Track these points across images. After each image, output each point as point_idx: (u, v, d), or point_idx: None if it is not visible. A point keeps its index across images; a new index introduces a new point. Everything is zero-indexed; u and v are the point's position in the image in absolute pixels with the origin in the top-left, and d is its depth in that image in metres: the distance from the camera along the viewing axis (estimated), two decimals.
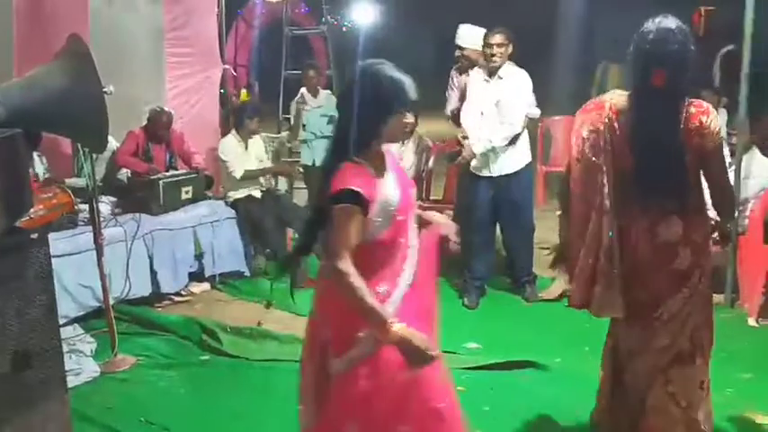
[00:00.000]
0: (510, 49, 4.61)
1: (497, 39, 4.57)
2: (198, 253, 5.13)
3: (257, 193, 5.54)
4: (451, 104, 5.31)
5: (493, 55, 4.58)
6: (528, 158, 4.80)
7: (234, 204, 5.46)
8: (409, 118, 2.56)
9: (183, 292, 5.05)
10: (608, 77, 8.07)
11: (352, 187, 2.10)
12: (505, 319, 4.62)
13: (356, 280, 2.08)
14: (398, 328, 2.07)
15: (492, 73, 4.66)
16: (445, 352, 3.96)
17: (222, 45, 6.63)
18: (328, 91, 6.67)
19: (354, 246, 2.11)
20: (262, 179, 5.63)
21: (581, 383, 3.62)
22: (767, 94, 6.86)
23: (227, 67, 6.64)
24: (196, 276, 5.22)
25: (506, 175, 4.72)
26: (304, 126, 6.33)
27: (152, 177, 5.05)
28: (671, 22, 2.61)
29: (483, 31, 4.80)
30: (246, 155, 5.59)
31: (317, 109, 6.41)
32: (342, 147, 2.19)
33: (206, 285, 5.24)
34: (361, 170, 2.17)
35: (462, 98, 5.02)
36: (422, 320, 2.26)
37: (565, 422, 3.29)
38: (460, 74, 5.24)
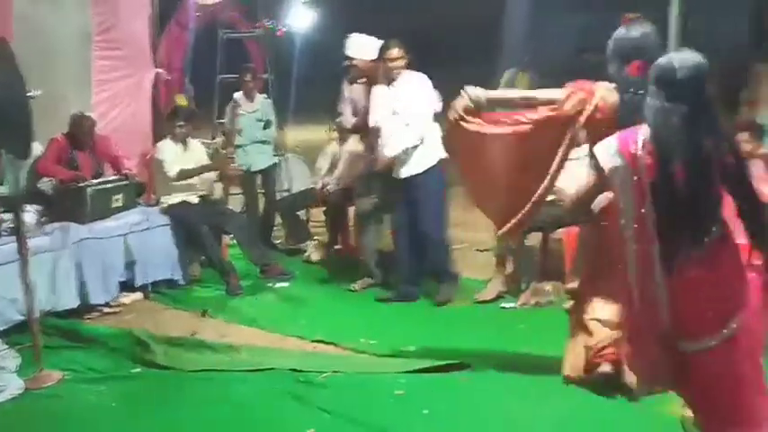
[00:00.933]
0: (405, 59, 4.75)
1: (394, 53, 4.73)
2: (129, 262, 5.00)
3: (193, 199, 5.44)
4: (347, 116, 5.35)
5: (392, 68, 4.73)
6: (438, 156, 4.73)
7: (168, 211, 5.35)
8: None
9: (113, 303, 4.91)
10: (515, 85, 8.21)
11: None
12: (441, 321, 4.65)
13: None
14: None
15: (391, 82, 4.76)
16: (383, 356, 4.02)
17: (155, 48, 6.48)
18: (264, 95, 6.59)
19: None
20: (198, 184, 5.51)
21: (519, 383, 3.68)
22: None
23: (159, 70, 6.50)
24: (128, 286, 5.09)
25: (416, 176, 4.77)
26: (239, 131, 6.26)
27: (79, 185, 4.89)
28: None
29: (372, 40, 4.92)
30: (185, 156, 5.48)
31: (253, 114, 6.34)
32: None
33: (138, 295, 5.11)
34: None
35: (354, 110, 5.16)
36: None
37: (504, 423, 3.32)
38: (350, 84, 5.27)
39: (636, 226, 2.40)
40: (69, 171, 5.03)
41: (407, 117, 4.71)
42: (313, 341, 4.33)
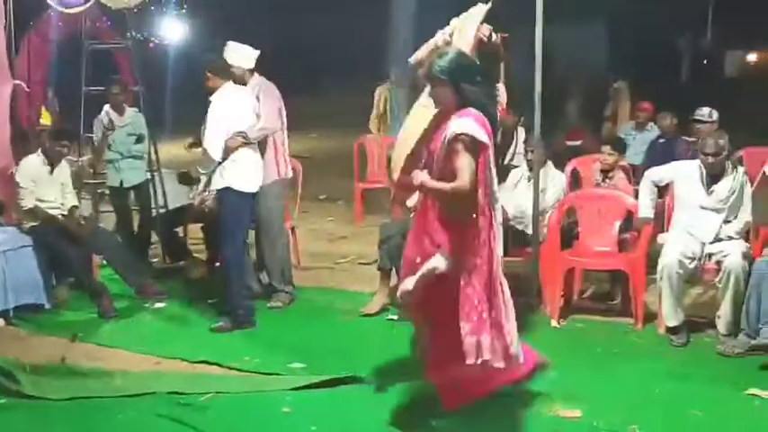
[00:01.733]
0: (216, 76, 4.70)
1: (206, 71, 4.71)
2: None
3: (58, 218, 5.12)
4: None
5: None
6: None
7: (31, 231, 5.00)
8: None
9: None
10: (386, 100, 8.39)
11: None
12: (327, 336, 4.61)
13: None
14: None
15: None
16: (267, 374, 3.94)
17: (11, 59, 6.06)
18: (135, 109, 6.32)
19: None
20: (61, 202, 5.20)
21: (404, 395, 3.71)
22: (557, 114, 7.55)
23: (18, 82, 6.08)
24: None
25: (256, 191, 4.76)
26: (110, 146, 5.98)
27: None
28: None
29: (248, 49, 4.90)
30: (50, 180, 5.16)
31: (124, 128, 6.06)
32: None
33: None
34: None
35: None
36: None
37: None
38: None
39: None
40: None
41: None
42: (195, 362, 4.18)
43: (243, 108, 4.68)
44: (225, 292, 4.75)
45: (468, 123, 3.13)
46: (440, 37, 4.21)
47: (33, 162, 5.12)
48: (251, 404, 3.63)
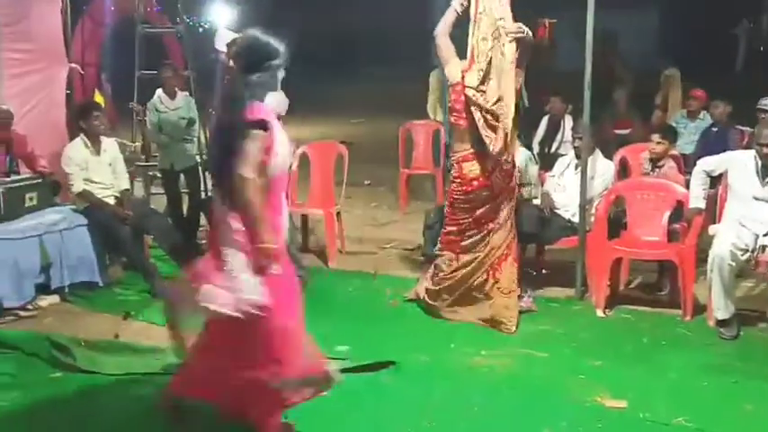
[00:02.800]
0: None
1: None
2: (45, 264, 4.78)
3: (111, 199, 5.24)
4: None
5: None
6: None
7: (85, 211, 5.14)
8: None
9: (29, 307, 4.69)
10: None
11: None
12: (371, 321, 4.64)
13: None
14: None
15: None
16: None
17: (67, 42, 6.22)
18: (186, 93, 6.42)
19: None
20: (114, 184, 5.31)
21: (446, 380, 3.73)
22: (605, 101, 7.42)
23: (73, 65, 6.25)
24: (44, 289, 4.87)
25: None
26: (161, 129, 6.09)
27: None
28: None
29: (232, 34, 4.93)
30: (98, 162, 5.21)
31: (175, 111, 6.17)
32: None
33: (55, 298, 4.89)
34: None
35: None
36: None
37: (430, 420, 3.34)
38: None
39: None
40: None
41: None
42: None
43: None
44: None
45: None
46: (456, 3, 4.27)
47: (77, 146, 5.17)
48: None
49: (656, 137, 5.25)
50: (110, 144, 5.36)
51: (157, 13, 9.64)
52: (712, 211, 4.80)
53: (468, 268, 4.48)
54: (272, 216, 2.93)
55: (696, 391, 3.63)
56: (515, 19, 4.28)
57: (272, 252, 2.86)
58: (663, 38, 15.45)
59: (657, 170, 5.13)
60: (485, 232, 4.44)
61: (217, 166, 2.98)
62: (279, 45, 2.97)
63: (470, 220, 4.44)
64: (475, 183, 4.38)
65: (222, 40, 4.88)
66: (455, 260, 4.53)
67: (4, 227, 4.59)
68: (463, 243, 4.49)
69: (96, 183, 5.19)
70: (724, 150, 4.89)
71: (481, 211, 4.41)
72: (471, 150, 4.38)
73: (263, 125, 2.84)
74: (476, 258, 4.47)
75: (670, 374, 3.82)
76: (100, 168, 5.21)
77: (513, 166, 4.52)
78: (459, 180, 4.43)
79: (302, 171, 6.08)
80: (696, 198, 4.56)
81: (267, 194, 2.90)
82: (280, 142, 2.92)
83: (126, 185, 5.44)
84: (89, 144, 5.18)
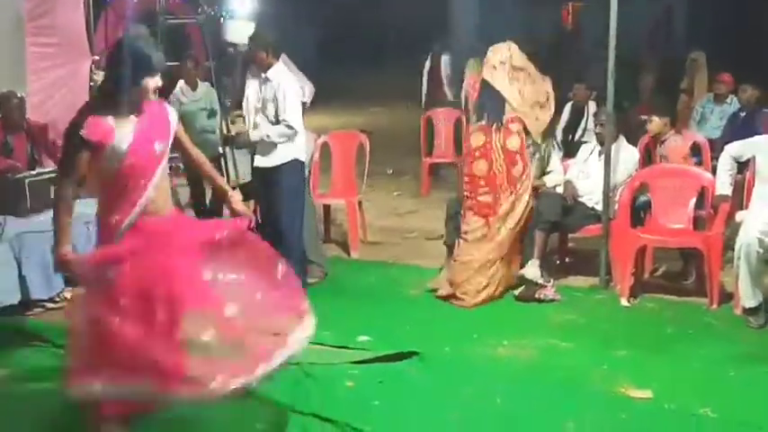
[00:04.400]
0: (270, 53, 4.63)
1: (254, 47, 4.67)
2: None
3: None
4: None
5: (254, 61, 4.72)
6: (295, 155, 4.69)
7: None
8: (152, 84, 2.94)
9: (57, 298, 4.75)
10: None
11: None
12: (394, 310, 4.64)
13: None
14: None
15: (263, 73, 4.69)
16: (336, 347, 3.99)
17: (90, 35, 6.27)
18: (207, 84, 6.45)
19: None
20: None
21: (469, 371, 3.71)
22: (630, 87, 7.32)
23: (96, 58, 6.29)
24: (71, 281, 4.92)
25: (272, 168, 4.69)
26: (183, 120, 6.11)
27: (16, 176, 4.69)
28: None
29: (251, 25, 4.87)
30: None
31: (196, 102, 6.19)
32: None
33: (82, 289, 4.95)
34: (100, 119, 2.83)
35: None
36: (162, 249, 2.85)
37: (455, 411, 3.33)
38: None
39: None
40: (4, 160, 4.81)
41: (279, 113, 4.60)
42: None
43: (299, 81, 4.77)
44: (286, 254, 4.75)
45: None
46: None
47: None
48: (316, 377, 3.64)
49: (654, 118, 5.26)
50: None
51: (181, 3, 9.69)
52: (740, 198, 4.72)
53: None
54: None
55: (722, 382, 3.59)
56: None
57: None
58: (689, 21, 15.18)
59: (661, 147, 5.10)
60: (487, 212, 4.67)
61: None
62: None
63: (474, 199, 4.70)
64: (476, 153, 4.67)
65: (235, 32, 4.88)
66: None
67: (30, 219, 4.64)
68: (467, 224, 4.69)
69: None
70: (752, 135, 4.80)
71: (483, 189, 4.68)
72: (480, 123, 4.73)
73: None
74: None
75: (695, 364, 3.78)
76: None
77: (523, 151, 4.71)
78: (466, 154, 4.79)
79: (324, 161, 6.08)
80: (723, 184, 4.49)
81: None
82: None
83: None
84: None
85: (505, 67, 4.75)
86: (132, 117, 2.91)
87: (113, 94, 2.87)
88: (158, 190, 2.95)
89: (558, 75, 7.60)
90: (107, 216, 2.94)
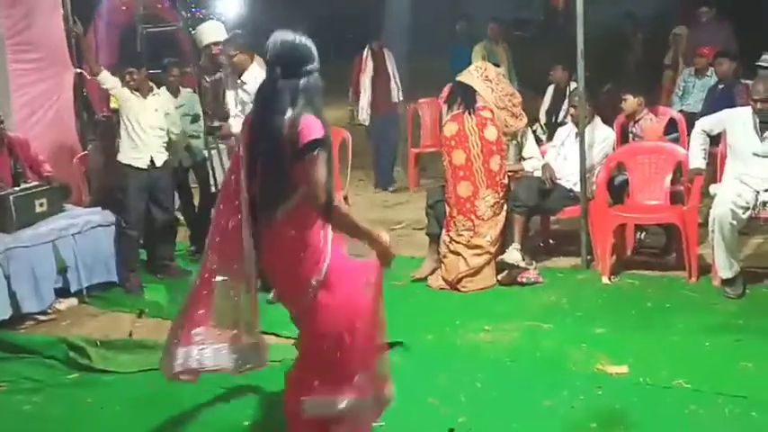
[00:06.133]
0: (244, 54, 4.69)
1: (228, 50, 4.74)
2: (61, 268, 4.93)
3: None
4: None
5: (235, 61, 4.76)
6: None
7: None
8: None
9: (48, 311, 4.84)
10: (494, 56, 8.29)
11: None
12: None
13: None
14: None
15: (239, 77, 4.75)
16: None
17: (71, 47, 6.33)
18: (189, 89, 6.50)
19: None
20: None
21: (452, 358, 3.78)
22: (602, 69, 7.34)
23: (79, 70, 6.35)
24: (63, 292, 5.02)
25: None
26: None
27: (1, 193, 4.76)
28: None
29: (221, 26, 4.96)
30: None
31: (179, 108, 6.25)
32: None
33: (73, 301, 5.03)
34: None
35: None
36: None
37: (433, 395, 3.40)
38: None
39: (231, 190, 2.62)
40: None
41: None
42: None
43: None
44: None
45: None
46: None
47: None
48: None
49: (628, 97, 5.31)
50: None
51: (167, 8, 9.72)
52: (715, 171, 4.76)
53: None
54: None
55: (697, 353, 3.65)
56: None
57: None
58: None
59: (636, 126, 5.15)
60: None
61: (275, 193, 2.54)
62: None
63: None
64: (452, 142, 4.74)
65: (209, 35, 4.93)
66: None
67: (17, 235, 4.72)
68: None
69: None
70: (730, 107, 4.83)
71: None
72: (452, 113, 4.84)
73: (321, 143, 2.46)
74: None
75: (672, 337, 3.84)
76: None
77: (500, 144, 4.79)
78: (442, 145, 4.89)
79: None
80: (696, 158, 4.53)
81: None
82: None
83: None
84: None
85: (480, 73, 4.92)
86: None
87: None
88: None
89: (546, 56, 7.64)
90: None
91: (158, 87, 6.23)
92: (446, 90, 5.15)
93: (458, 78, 5.00)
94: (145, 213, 5.30)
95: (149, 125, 5.30)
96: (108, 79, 5.24)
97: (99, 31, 9.99)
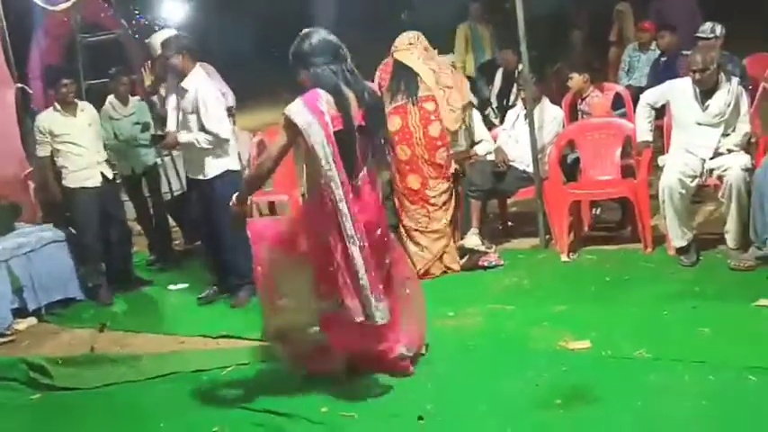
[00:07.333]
0: (185, 58, 4.58)
1: (167, 52, 4.63)
2: (16, 288, 4.83)
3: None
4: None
5: (169, 67, 4.70)
6: (227, 166, 4.65)
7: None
8: None
9: (7, 332, 4.74)
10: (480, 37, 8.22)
11: None
12: None
13: None
14: None
15: (179, 82, 4.66)
16: None
17: (10, 62, 6.18)
18: (137, 98, 6.40)
19: None
20: None
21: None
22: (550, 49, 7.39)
23: (20, 85, 6.21)
24: (22, 312, 4.93)
25: (205, 181, 4.64)
26: (116, 136, 6.08)
27: None
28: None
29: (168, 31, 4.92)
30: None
31: (129, 117, 6.16)
32: None
33: (32, 320, 4.95)
34: None
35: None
36: None
37: (394, 382, 3.40)
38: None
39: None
40: None
41: (204, 122, 4.53)
42: (217, 337, 4.31)
43: (220, 88, 4.77)
44: (231, 268, 4.74)
45: (293, 104, 3.12)
46: None
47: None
48: (272, 374, 3.69)
49: (574, 75, 5.39)
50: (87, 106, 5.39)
51: (110, 17, 9.55)
52: (662, 142, 4.84)
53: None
54: None
55: (656, 322, 3.70)
56: None
57: None
58: None
59: (583, 103, 5.23)
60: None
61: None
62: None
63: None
64: (396, 138, 4.61)
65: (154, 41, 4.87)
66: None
67: None
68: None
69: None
70: (675, 79, 4.90)
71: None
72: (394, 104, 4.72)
73: None
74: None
75: (632, 309, 3.90)
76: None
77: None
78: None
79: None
80: (643, 131, 4.61)
81: None
82: None
83: None
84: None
85: (416, 47, 4.78)
86: None
87: None
88: None
89: (502, 40, 7.64)
90: None
91: (106, 96, 6.16)
92: (383, 68, 4.88)
93: (396, 56, 4.80)
94: (98, 227, 5.21)
95: (89, 142, 5.21)
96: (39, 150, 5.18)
97: (40, 44, 9.81)
